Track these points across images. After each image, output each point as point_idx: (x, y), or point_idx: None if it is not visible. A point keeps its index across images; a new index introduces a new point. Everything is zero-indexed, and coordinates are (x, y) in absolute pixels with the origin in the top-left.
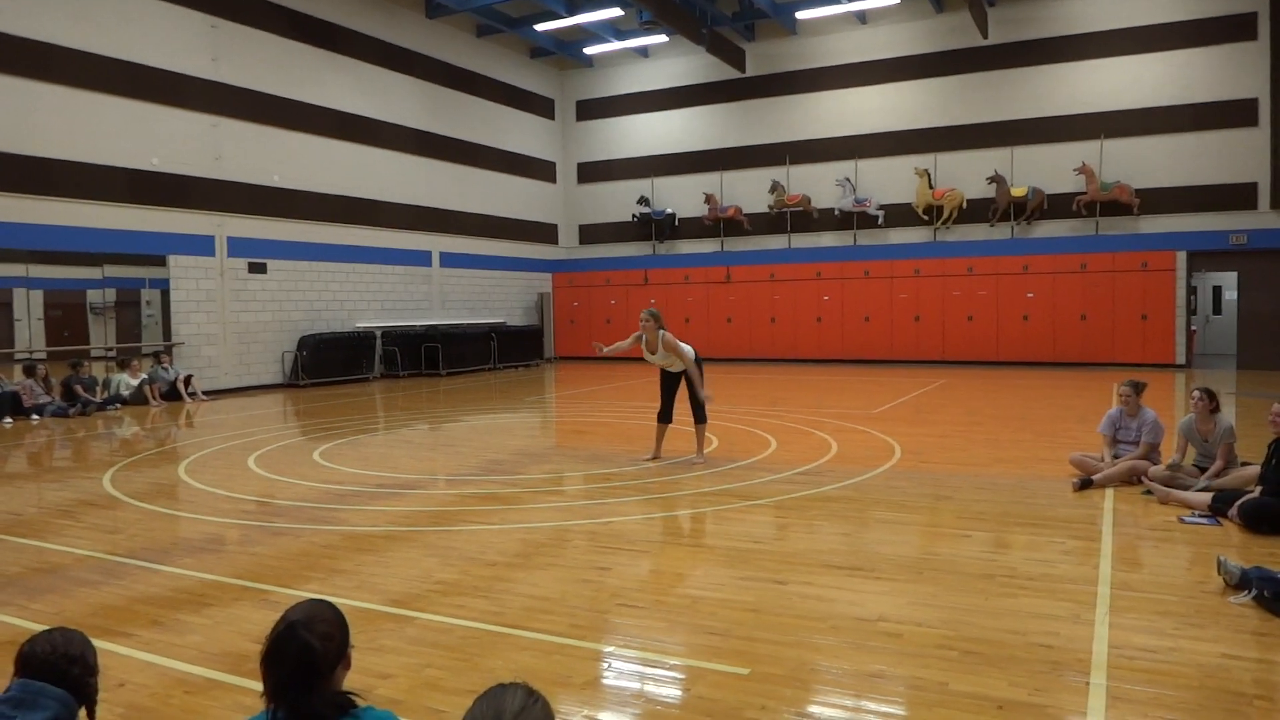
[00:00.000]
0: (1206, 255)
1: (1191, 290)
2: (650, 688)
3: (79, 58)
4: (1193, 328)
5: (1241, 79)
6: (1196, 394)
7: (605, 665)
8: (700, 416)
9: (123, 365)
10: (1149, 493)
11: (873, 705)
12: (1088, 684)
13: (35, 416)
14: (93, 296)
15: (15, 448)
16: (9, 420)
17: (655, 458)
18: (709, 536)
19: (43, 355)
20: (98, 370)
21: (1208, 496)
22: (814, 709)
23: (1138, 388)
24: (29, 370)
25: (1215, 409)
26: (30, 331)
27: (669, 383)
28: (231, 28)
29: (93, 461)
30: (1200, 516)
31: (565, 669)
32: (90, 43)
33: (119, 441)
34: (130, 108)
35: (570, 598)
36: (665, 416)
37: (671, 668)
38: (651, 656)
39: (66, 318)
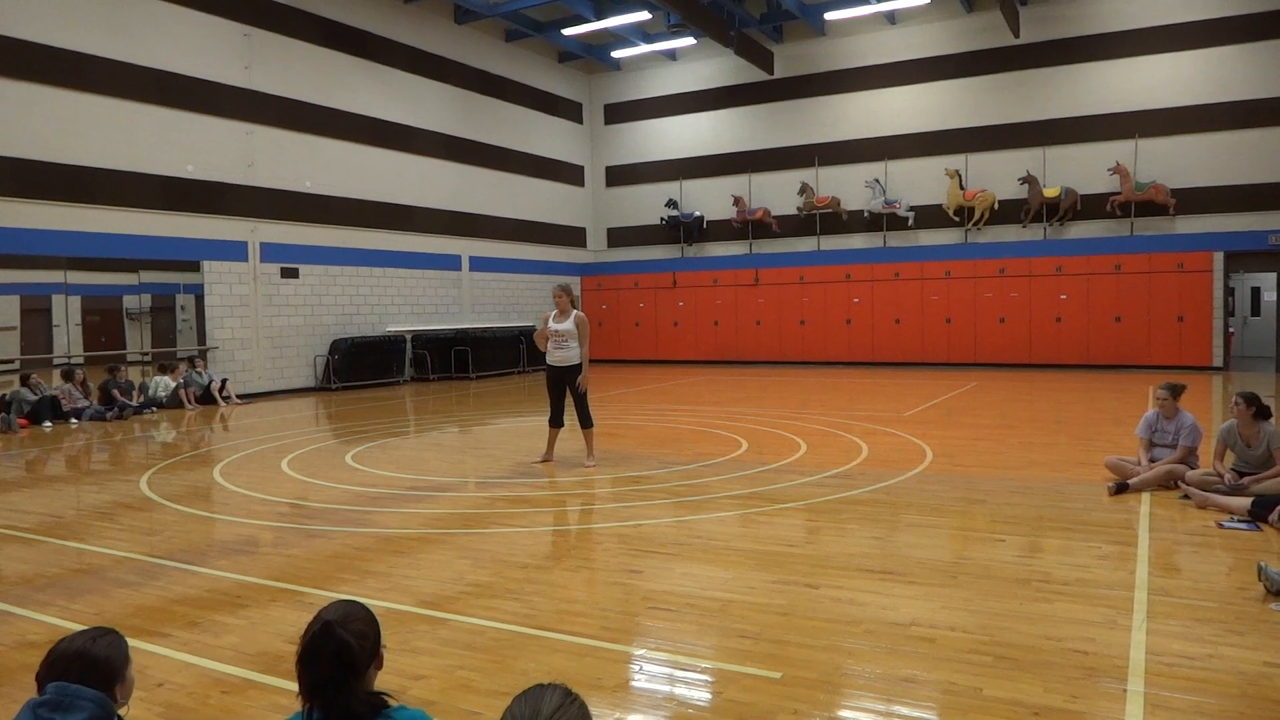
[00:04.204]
0: (1245, 256)
1: (1229, 291)
2: (681, 691)
3: (115, 67)
4: (1230, 329)
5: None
6: (1237, 400)
7: (636, 668)
8: (585, 422)
9: (164, 369)
10: (1186, 497)
11: (906, 710)
12: (1125, 691)
13: (74, 420)
14: (129, 302)
15: (55, 451)
16: (49, 424)
17: (546, 459)
18: (740, 540)
19: (80, 360)
20: (134, 375)
21: (1247, 501)
22: (846, 713)
23: (1175, 391)
24: (67, 375)
25: (1260, 414)
26: (69, 337)
27: (557, 386)
28: (264, 36)
29: (130, 464)
30: (1239, 521)
31: (597, 671)
32: (126, 53)
33: (155, 445)
34: (165, 116)
35: (601, 600)
36: (556, 420)
37: (703, 671)
38: (683, 660)
39: (104, 323)
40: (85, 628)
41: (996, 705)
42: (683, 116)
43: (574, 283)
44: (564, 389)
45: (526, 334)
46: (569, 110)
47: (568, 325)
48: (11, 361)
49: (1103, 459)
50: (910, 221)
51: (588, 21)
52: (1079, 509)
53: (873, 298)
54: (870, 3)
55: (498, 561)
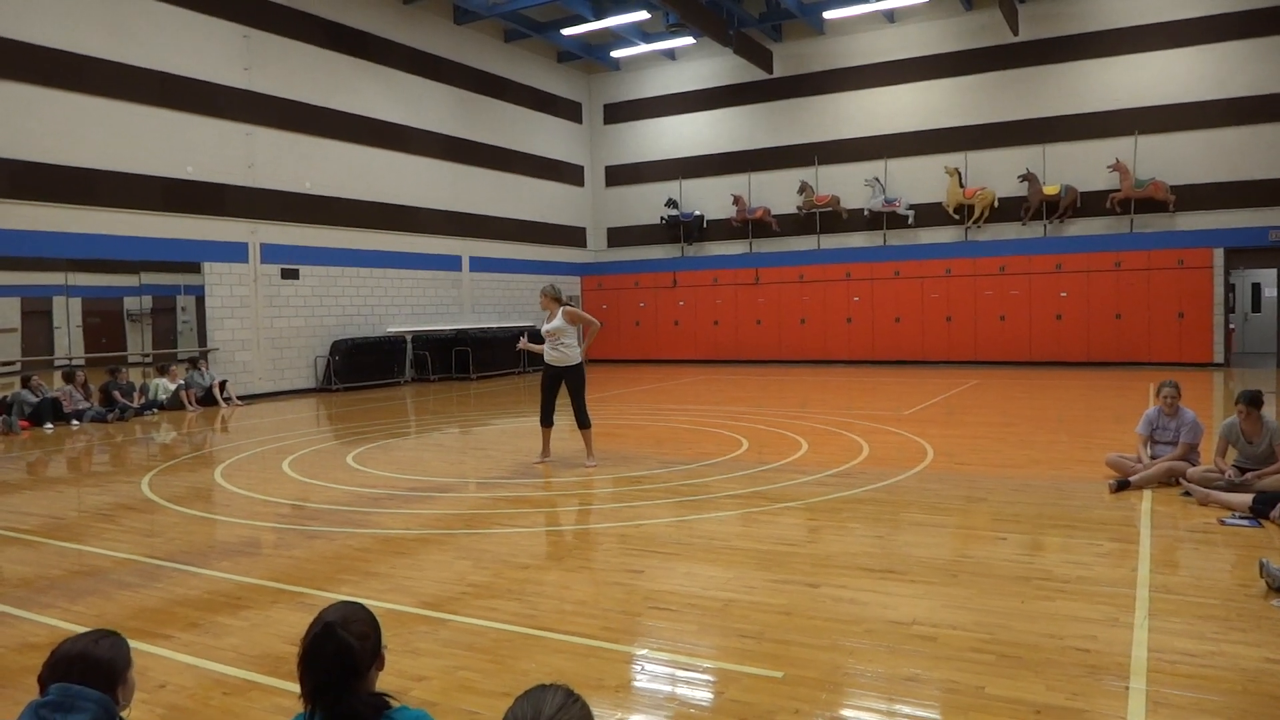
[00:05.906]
0: (1245, 252)
1: (1230, 287)
2: (683, 691)
3: (115, 69)
4: (1231, 326)
5: (1278, 72)
6: (1239, 405)
7: (638, 668)
8: (583, 422)
9: (162, 371)
10: (1188, 494)
11: (907, 709)
12: (1127, 688)
13: (75, 422)
14: (130, 304)
15: (56, 453)
16: (50, 426)
17: (545, 459)
18: (741, 539)
19: (81, 362)
20: (135, 376)
21: (1248, 498)
22: (848, 713)
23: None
24: (68, 377)
25: (1256, 403)
26: (70, 339)
27: (551, 385)
28: (263, 37)
29: (131, 466)
30: (1241, 518)
31: (598, 671)
32: (126, 54)
33: (156, 446)
34: (165, 118)
35: (602, 600)
36: (546, 419)
37: (704, 671)
38: (684, 659)
39: (104, 325)
40: (87, 629)
41: (998, 704)
42: (682, 116)
43: (562, 281)
44: (557, 388)
45: (527, 334)
46: (568, 110)
47: (556, 323)
48: (13, 363)
49: (1104, 456)
50: (910, 220)
51: (587, 21)
52: (1080, 506)
53: (873, 296)
54: (869, 1)
55: (499, 562)
